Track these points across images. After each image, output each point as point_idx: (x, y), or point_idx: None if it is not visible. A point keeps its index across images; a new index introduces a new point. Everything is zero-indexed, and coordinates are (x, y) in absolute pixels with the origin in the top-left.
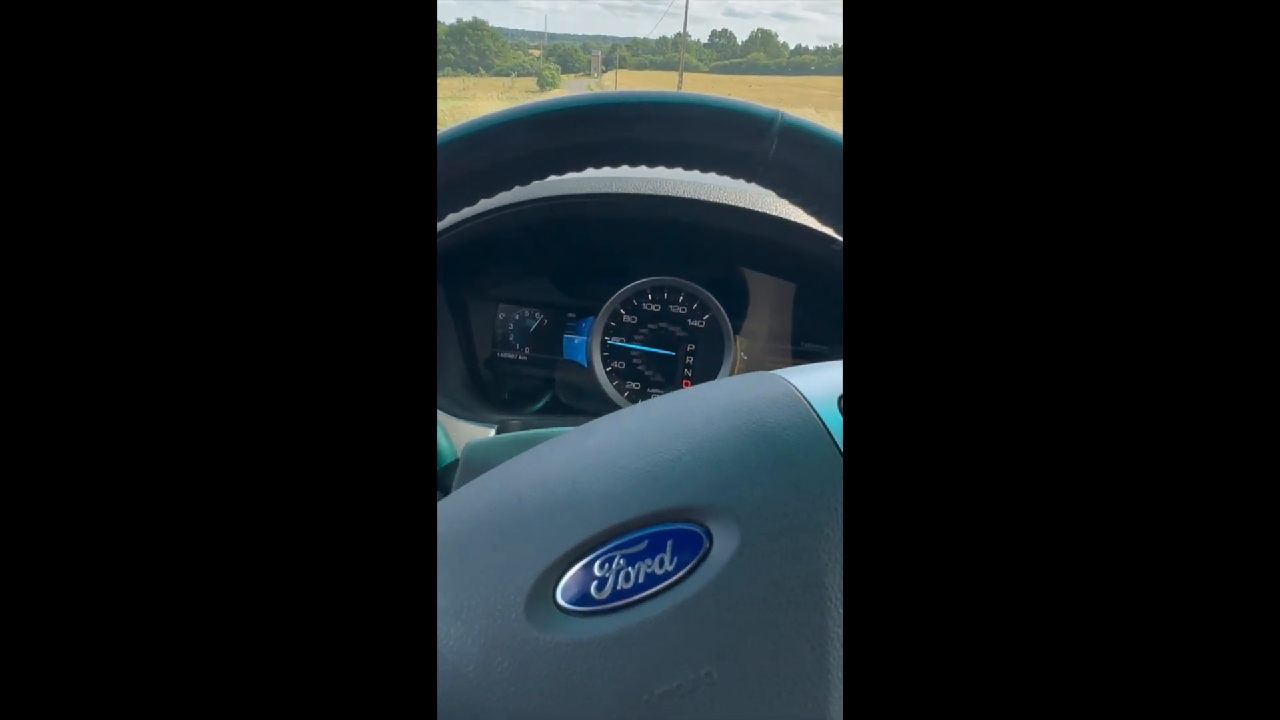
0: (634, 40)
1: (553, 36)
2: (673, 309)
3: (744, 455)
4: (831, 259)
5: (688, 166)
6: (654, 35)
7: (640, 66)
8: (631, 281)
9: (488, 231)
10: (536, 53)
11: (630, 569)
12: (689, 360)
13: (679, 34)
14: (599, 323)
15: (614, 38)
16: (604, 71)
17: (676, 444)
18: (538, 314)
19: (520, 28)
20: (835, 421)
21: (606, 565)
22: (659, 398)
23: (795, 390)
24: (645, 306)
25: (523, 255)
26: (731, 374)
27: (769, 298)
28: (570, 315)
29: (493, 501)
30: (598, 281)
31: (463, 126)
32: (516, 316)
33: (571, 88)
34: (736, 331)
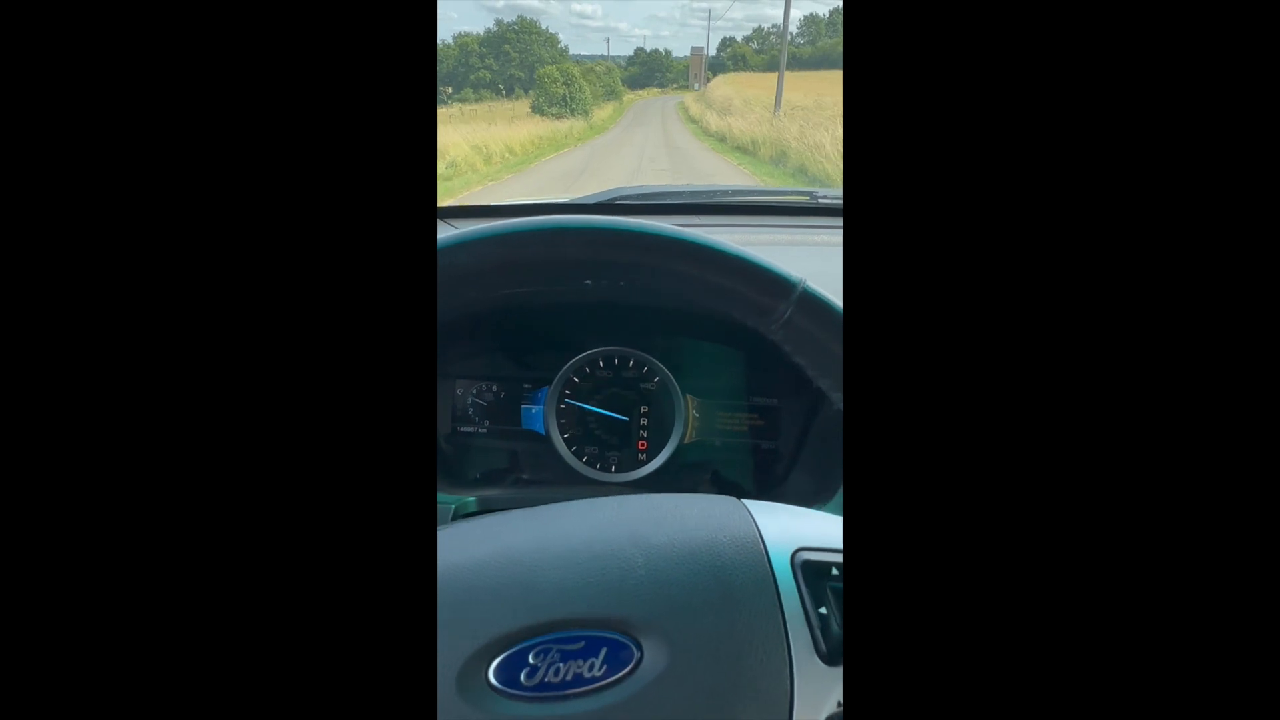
0: (757, 31)
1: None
2: (624, 374)
3: (691, 584)
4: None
5: (697, 301)
6: (795, 18)
7: (769, 66)
8: (583, 352)
9: (441, 317)
10: (621, 72)
11: (561, 665)
12: (643, 422)
13: (835, 10)
14: (554, 392)
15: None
16: (710, 79)
17: (634, 555)
18: (494, 387)
19: (621, 53)
20: (785, 573)
21: (542, 656)
22: (633, 497)
23: (757, 534)
24: (597, 374)
25: (476, 334)
26: (685, 433)
27: (716, 360)
28: (526, 386)
29: (453, 562)
30: (550, 353)
31: (518, 224)
32: (474, 390)
33: (637, 109)
34: (687, 391)
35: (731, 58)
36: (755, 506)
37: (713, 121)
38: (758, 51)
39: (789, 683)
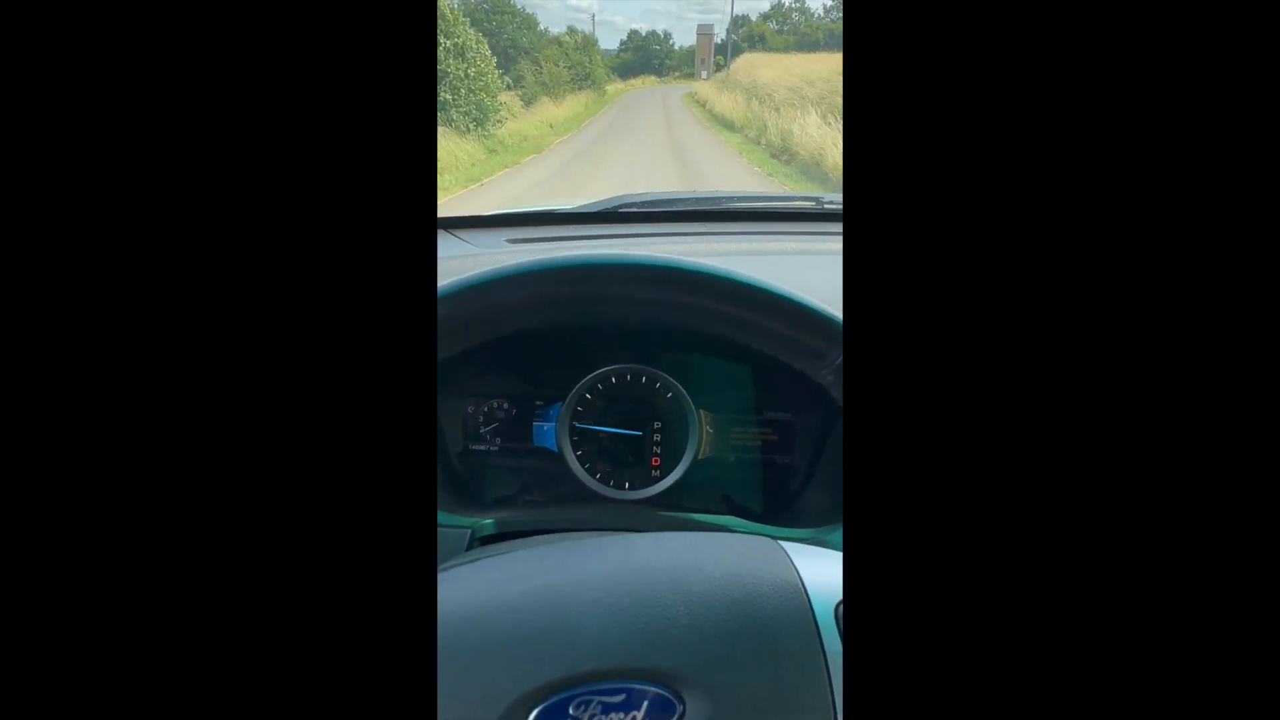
0: (776, 8)
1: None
2: (636, 390)
3: (734, 635)
4: (790, 355)
5: (746, 343)
6: None
7: (799, 47)
8: (595, 370)
9: (458, 342)
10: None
11: (602, 717)
12: (656, 438)
13: None
14: (566, 408)
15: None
16: (719, 68)
17: (675, 603)
18: (506, 404)
19: (612, 47)
20: (829, 625)
21: (583, 708)
22: (668, 535)
23: (799, 581)
24: (610, 390)
25: (487, 353)
26: (699, 449)
27: (729, 376)
28: (538, 403)
29: (489, 602)
30: (562, 370)
31: (559, 261)
32: (485, 408)
33: (625, 105)
34: (700, 406)
35: (747, 38)
36: (794, 550)
37: (831, 150)
38: (779, 31)
39: None
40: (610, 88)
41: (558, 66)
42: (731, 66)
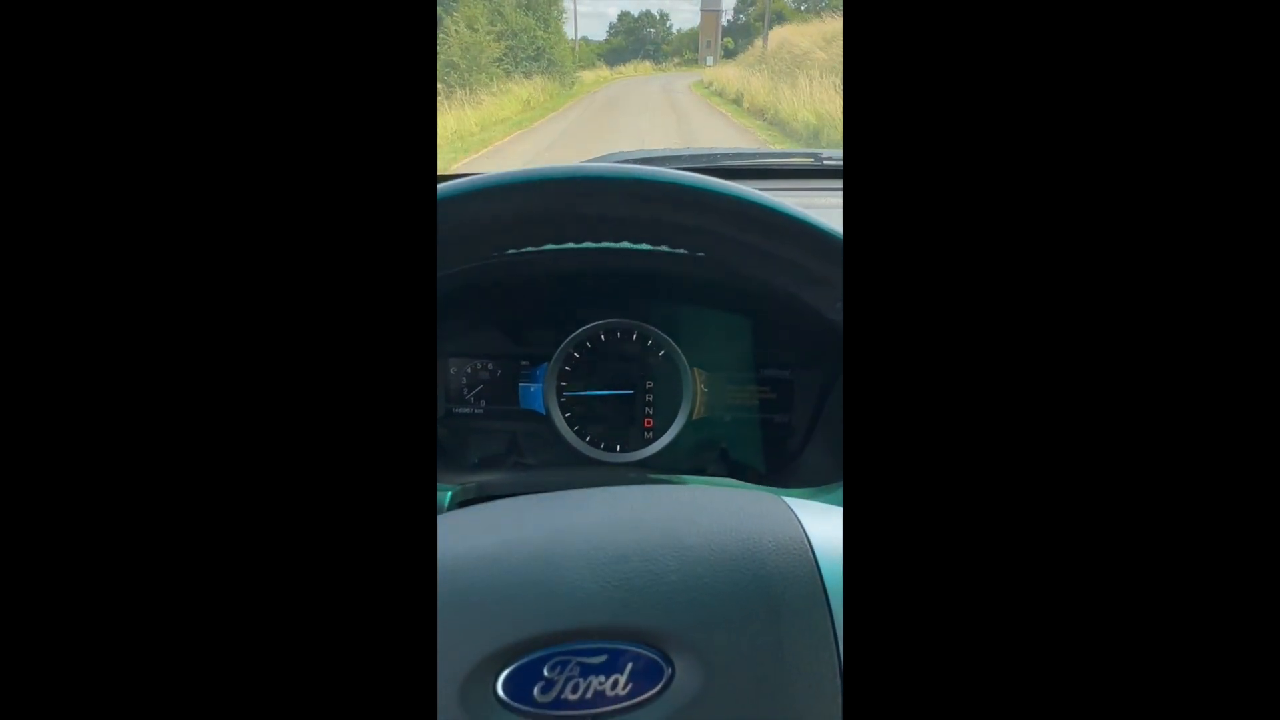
0: None
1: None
2: (627, 348)
3: (730, 594)
4: (787, 298)
5: (761, 275)
6: None
7: (825, 10)
8: (582, 326)
9: (450, 284)
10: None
11: (581, 681)
12: (649, 398)
13: None
14: (553, 368)
15: None
16: (726, 52)
17: (665, 557)
18: (490, 364)
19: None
20: (837, 587)
21: (559, 669)
22: (661, 487)
23: (804, 538)
24: (599, 348)
25: (469, 309)
26: (694, 409)
27: (724, 331)
28: (524, 363)
29: (456, 553)
30: (548, 328)
31: (564, 169)
32: (469, 369)
33: (602, 103)
34: (694, 364)
35: (760, 16)
36: (799, 506)
37: None
38: (797, 8)
39: (841, 712)
40: (592, 75)
41: (477, 33)
42: (770, 43)
